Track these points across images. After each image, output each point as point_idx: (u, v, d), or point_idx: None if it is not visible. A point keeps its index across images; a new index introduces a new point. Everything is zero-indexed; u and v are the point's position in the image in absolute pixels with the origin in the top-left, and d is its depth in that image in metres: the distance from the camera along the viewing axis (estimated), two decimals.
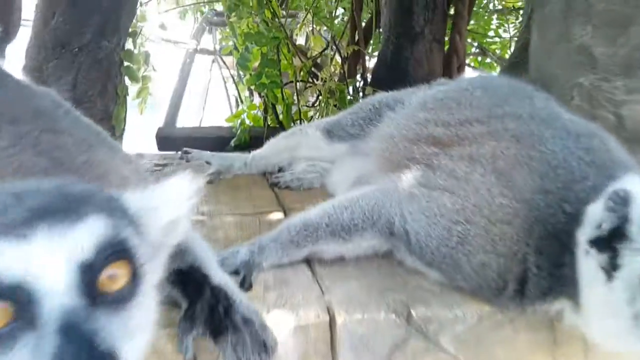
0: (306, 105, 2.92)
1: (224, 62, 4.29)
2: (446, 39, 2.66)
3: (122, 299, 0.53)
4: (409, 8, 2.44)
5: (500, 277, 0.76)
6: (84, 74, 2.26)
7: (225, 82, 5.39)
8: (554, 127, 0.85)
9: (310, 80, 2.81)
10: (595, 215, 0.67)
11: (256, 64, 2.38)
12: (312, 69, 2.78)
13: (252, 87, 2.53)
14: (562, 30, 1.15)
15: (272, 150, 1.57)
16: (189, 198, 0.60)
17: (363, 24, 2.85)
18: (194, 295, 0.71)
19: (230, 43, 2.70)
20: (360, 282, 0.82)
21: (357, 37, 2.74)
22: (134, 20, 2.58)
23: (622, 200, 0.64)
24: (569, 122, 0.87)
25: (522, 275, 0.75)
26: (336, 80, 2.61)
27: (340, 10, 3.80)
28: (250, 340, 0.69)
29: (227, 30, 2.70)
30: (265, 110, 2.67)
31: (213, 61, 5.37)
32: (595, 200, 0.69)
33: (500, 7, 4.35)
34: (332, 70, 2.70)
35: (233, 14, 2.41)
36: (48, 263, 0.49)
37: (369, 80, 2.63)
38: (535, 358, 0.78)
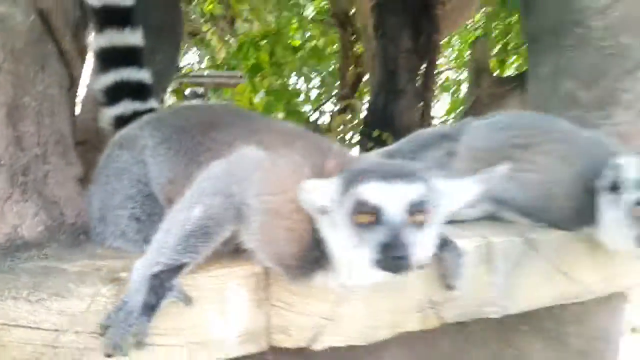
0: None
1: None
2: None
3: (421, 226, 0.94)
4: (393, 70, 3.12)
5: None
6: None
7: None
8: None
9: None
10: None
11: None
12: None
13: None
14: (553, 83, 1.83)
15: None
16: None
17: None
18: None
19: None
20: None
21: (345, 90, 3.36)
22: None
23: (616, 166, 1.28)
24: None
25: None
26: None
27: None
28: (454, 252, 1.19)
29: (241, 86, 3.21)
30: None
31: None
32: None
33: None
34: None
35: (257, 75, 2.92)
36: (394, 198, 0.93)
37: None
38: None
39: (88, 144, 1.76)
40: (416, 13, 3.00)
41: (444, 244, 1.20)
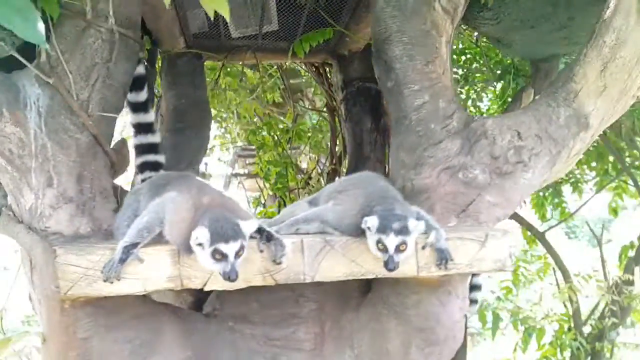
0: None
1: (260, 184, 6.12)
2: None
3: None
4: (360, 143, 4.29)
5: (354, 228, 2.43)
6: None
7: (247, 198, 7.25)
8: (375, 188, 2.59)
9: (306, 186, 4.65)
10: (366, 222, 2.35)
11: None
12: (308, 180, 4.61)
13: (272, 191, 4.34)
14: (396, 153, 2.94)
15: (284, 212, 3.28)
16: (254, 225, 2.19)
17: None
18: (260, 234, 2.37)
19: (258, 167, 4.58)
20: None
21: (334, 160, 4.60)
22: None
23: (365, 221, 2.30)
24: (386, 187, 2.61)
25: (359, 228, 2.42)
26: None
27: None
28: (278, 243, 2.33)
29: (255, 159, 4.60)
30: (279, 206, 4.46)
31: (239, 183, 7.31)
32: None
33: None
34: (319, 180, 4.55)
35: (260, 150, 4.29)
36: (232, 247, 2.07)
37: None
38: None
39: None
40: (373, 104, 4.20)
41: (272, 239, 2.36)
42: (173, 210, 2.27)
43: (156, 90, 4.23)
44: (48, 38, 2.40)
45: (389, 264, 2.26)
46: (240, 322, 3.02)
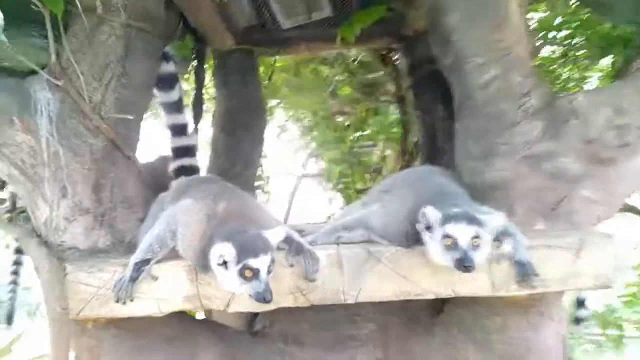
0: None
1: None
2: None
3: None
4: (432, 134, 3.75)
5: (404, 236, 1.96)
6: None
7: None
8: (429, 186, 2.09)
9: None
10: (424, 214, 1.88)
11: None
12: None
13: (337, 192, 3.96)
14: (464, 142, 2.40)
15: (337, 217, 2.88)
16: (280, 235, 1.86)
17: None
18: (290, 244, 1.98)
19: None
20: None
21: (406, 155, 4.09)
22: None
23: (423, 214, 1.83)
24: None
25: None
26: None
27: None
28: (310, 256, 1.94)
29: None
30: None
31: (319, 183, 6.98)
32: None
33: None
34: None
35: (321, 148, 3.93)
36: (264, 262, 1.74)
37: None
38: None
39: None
40: (445, 88, 3.64)
41: (303, 251, 1.96)
42: (184, 223, 1.96)
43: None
44: (58, 38, 2.21)
45: (465, 261, 1.71)
46: (290, 343, 2.64)
